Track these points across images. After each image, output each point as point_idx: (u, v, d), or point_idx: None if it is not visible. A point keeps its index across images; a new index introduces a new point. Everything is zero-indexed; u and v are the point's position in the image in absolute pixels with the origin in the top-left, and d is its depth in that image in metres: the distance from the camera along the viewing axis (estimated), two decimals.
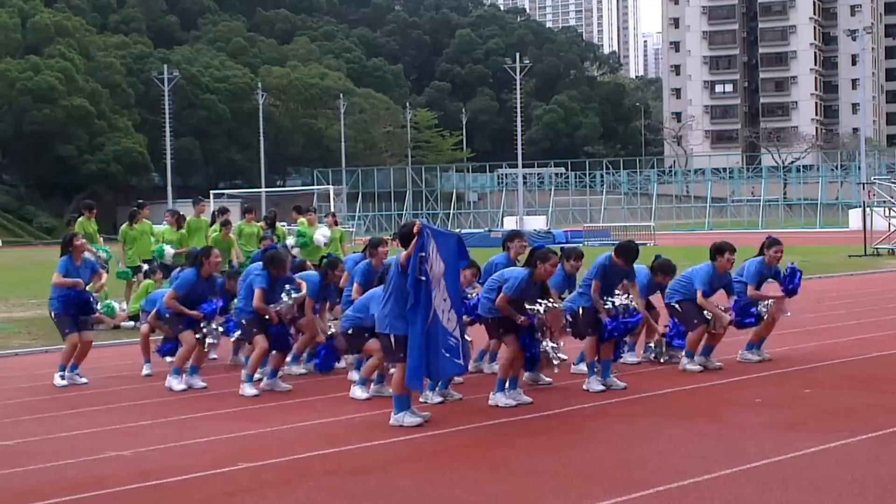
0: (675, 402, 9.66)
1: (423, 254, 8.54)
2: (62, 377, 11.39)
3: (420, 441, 8.25)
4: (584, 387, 10.14)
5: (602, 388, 10.11)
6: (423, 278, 8.52)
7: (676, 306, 11.39)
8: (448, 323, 8.68)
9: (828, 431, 8.13)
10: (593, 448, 7.98)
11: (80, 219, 17.24)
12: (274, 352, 10.62)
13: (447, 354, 8.64)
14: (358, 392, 10.13)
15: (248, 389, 10.42)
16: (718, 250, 11.34)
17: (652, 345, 11.90)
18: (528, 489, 6.73)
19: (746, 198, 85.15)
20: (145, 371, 12.00)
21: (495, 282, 9.71)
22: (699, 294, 11.15)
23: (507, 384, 9.56)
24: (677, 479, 6.81)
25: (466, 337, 9.19)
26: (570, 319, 10.17)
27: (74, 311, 11.26)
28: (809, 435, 8.06)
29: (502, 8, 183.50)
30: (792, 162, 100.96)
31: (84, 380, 11.50)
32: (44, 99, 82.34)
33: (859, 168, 70.51)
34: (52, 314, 11.52)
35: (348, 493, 6.79)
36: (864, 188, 39.17)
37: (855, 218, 57.10)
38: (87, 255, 12.27)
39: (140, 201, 19.96)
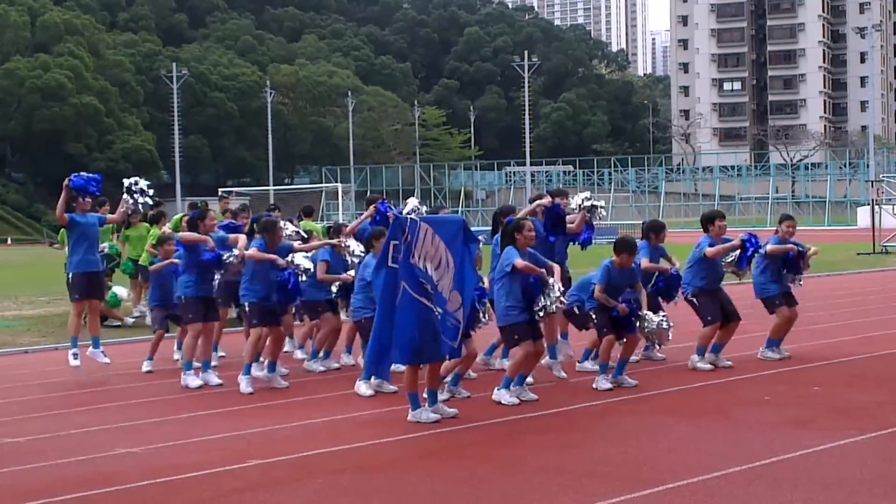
0: (683, 400, 9.65)
1: (396, 242, 8.47)
2: (75, 356, 11.41)
3: (428, 438, 8.25)
4: (594, 385, 10.12)
5: (610, 386, 10.09)
6: (395, 266, 8.45)
7: (693, 300, 11.36)
8: (450, 304, 8.65)
9: (837, 429, 8.12)
10: (601, 446, 7.98)
11: None
12: (269, 345, 10.62)
13: (443, 336, 8.60)
14: (362, 388, 10.13)
15: (245, 386, 10.36)
16: (709, 219, 11.46)
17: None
18: (536, 486, 6.73)
19: (755, 196, 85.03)
20: (145, 367, 11.97)
21: (498, 281, 9.51)
22: (707, 251, 11.20)
23: (513, 383, 9.53)
24: (686, 476, 6.81)
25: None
26: (577, 312, 10.39)
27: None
28: (819, 433, 8.05)
29: (510, 6, 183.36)
30: (800, 160, 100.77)
31: (107, 359, 11.54)
32: (53, 97, 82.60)
33: (868, 166, 70.35)
34: (69, 276, 11.65)
35: (357, 490, 6.80)
36: (872, 186, 39.12)
37: (863, 216, 56.98)
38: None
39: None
